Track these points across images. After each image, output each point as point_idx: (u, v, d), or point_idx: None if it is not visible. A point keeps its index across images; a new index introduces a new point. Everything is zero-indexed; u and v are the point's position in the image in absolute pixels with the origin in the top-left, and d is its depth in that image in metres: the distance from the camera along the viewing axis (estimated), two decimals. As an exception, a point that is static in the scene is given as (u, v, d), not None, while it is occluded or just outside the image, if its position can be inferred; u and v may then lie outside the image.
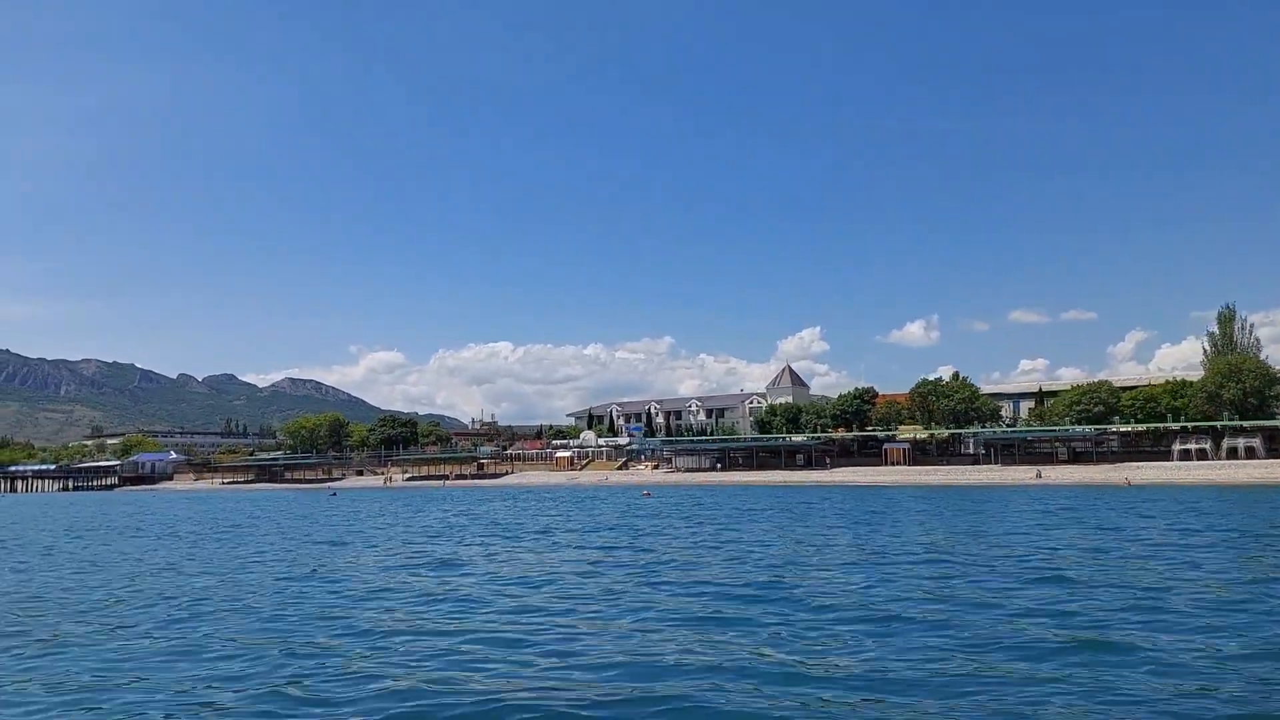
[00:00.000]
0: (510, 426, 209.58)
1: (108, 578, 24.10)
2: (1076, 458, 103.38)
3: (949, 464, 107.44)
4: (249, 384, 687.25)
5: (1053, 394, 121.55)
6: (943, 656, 12.56)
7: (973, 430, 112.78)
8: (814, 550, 27.58)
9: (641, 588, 20.00)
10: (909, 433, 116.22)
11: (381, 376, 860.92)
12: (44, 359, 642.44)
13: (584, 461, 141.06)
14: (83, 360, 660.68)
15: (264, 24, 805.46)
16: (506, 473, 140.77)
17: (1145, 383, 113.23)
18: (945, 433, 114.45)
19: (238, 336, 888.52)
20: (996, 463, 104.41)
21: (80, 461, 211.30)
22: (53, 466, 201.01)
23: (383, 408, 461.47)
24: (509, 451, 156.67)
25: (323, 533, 40.17)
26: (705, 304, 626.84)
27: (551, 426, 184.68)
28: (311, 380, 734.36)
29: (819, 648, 13.43)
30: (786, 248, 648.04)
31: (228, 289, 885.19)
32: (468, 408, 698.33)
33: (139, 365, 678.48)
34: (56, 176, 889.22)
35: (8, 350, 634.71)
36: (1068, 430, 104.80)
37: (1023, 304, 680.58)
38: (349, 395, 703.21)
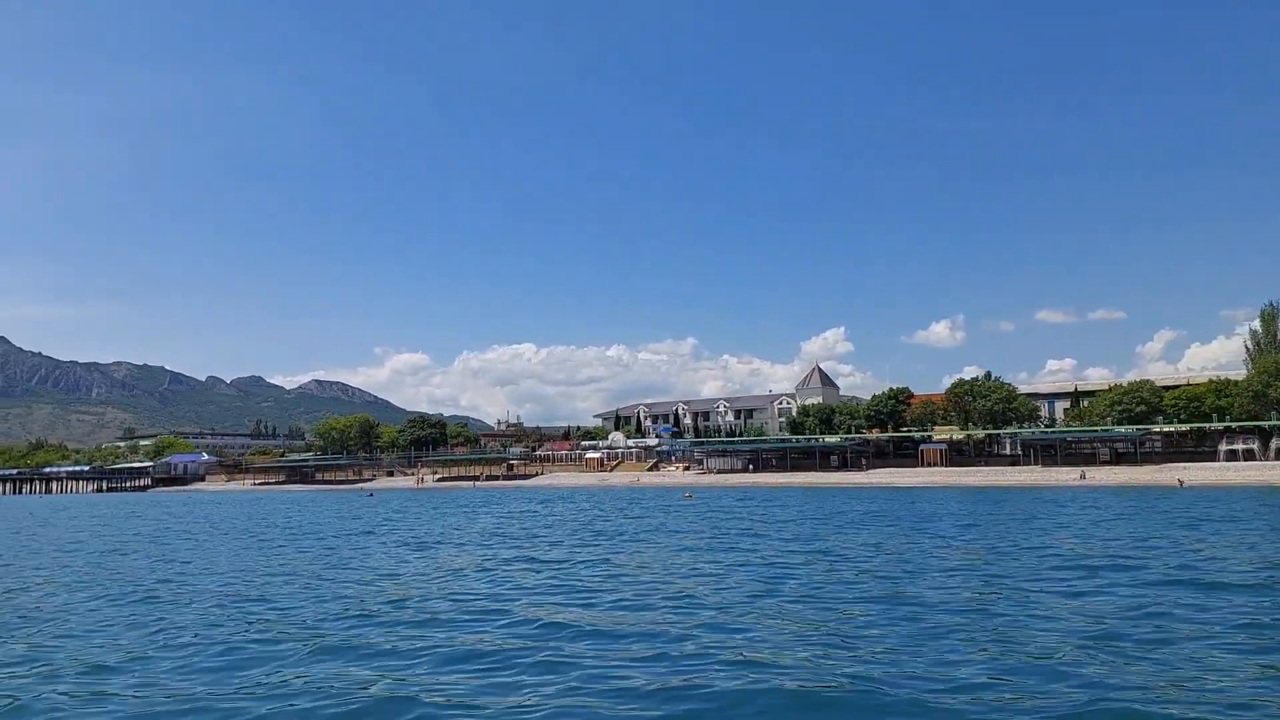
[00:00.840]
0: (537, 428, 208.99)
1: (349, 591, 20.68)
2: (1119, 458, 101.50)
3: (987, 465, 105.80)
4: (276, 386, 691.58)
5: (1086, 394, 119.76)
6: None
7: (1010, 430, 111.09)
8: (1000, 558, 24.71)
9: (862, 604, 17.17)
10: (945, 433, 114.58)
11: (406, 378, 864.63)
12: (75, 362, 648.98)
13: (613, 463, 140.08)
14: (114, 363, 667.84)
15: (283, 28, 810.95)
16: (536, 474, 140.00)
17: (1185, 382, 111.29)
18: (982, 433, 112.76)
19: (265, 339, 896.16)
20: (1036, 463, 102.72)
21: (113, 463, 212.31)
22: (86, 468, 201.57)
23: (408, 409, 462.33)
24: (538, 453, 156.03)
25: (432, 535, 38.45)
26: (728, 305, 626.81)
27: (579, 428, 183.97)
28: (338, 382, 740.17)
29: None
30: (809, 248, 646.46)
31: (254, 292, 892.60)
32: (491, 409, 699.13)
33: (168, 368, 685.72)
34: (85, 180, 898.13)
35: (40, 353, 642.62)
36: (1109, 430, 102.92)
37: (1049, 304, 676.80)
38: (375, 397, 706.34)
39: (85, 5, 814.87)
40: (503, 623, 15.84)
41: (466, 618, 16.48)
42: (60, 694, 11.54)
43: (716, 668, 12.00)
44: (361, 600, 18.75)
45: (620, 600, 18.25)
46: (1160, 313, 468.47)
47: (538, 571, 23.84)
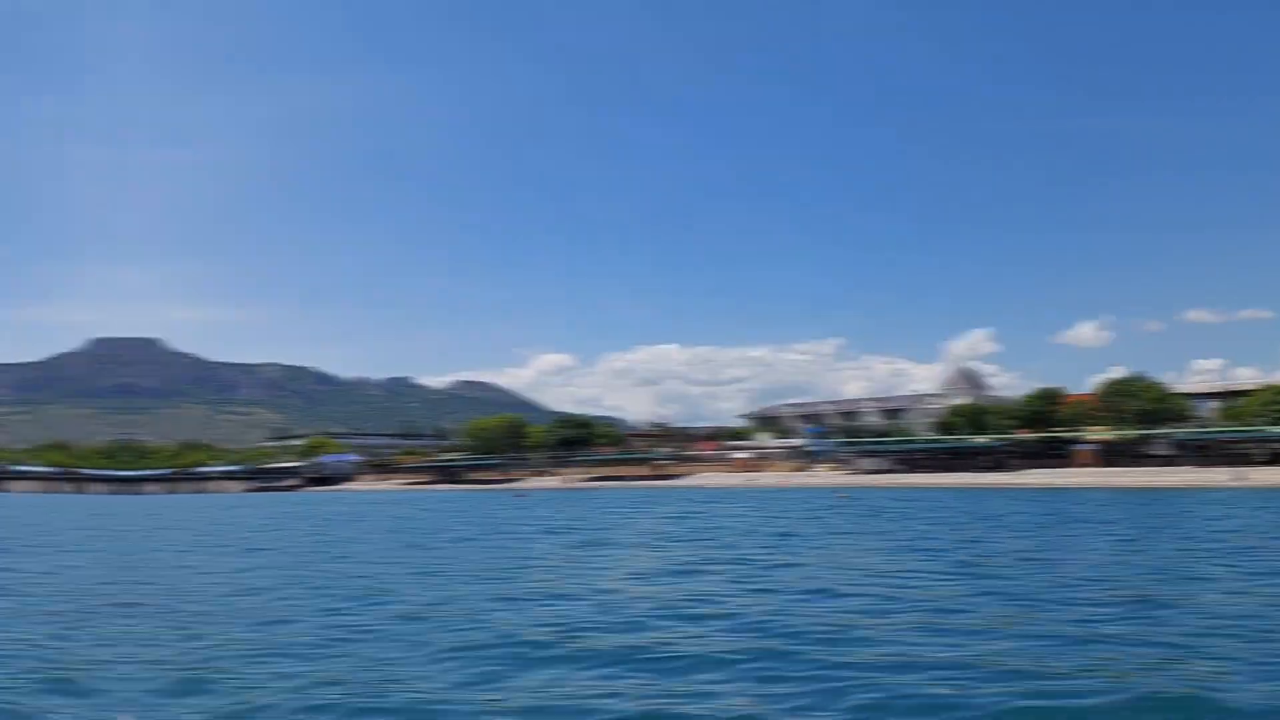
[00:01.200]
0: (682, 428, 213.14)
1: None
2: (1277, 459, 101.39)
3: (1139, 465, 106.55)
4: (422, 386, 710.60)
5: (1237, 394, 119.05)
6: None
7: (1163, 430, 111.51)
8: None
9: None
10: (1097, 434, 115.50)
11: (551, 379, 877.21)
12: (225, 362, 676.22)
13: (762, 463, 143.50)
14: (263, 364, 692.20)
15: (428, 29, 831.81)
16: (684, 474, 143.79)
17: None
18: (1135, 433, 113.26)
19: (410, 339, 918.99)
20: (1189, 464, 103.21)
21: (264, 463, 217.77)
22: (238, 467, 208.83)
23: (553, 409, 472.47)
24: (685, 453, 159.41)
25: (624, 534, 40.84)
26: (871, 306, 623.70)
27: (725, 428, 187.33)
28: (484, 382, 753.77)
29: None
30: (955, 248, 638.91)
31: (402, 292, 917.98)
32: (635, 409, 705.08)
33: (318, 368, 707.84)
34: (236, 184, 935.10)
35: (192, 354, 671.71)
36: (1264, 431, 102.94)
37: (1198, 303, 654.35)
38: (521, 397, 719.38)
39: (239, 13, 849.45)
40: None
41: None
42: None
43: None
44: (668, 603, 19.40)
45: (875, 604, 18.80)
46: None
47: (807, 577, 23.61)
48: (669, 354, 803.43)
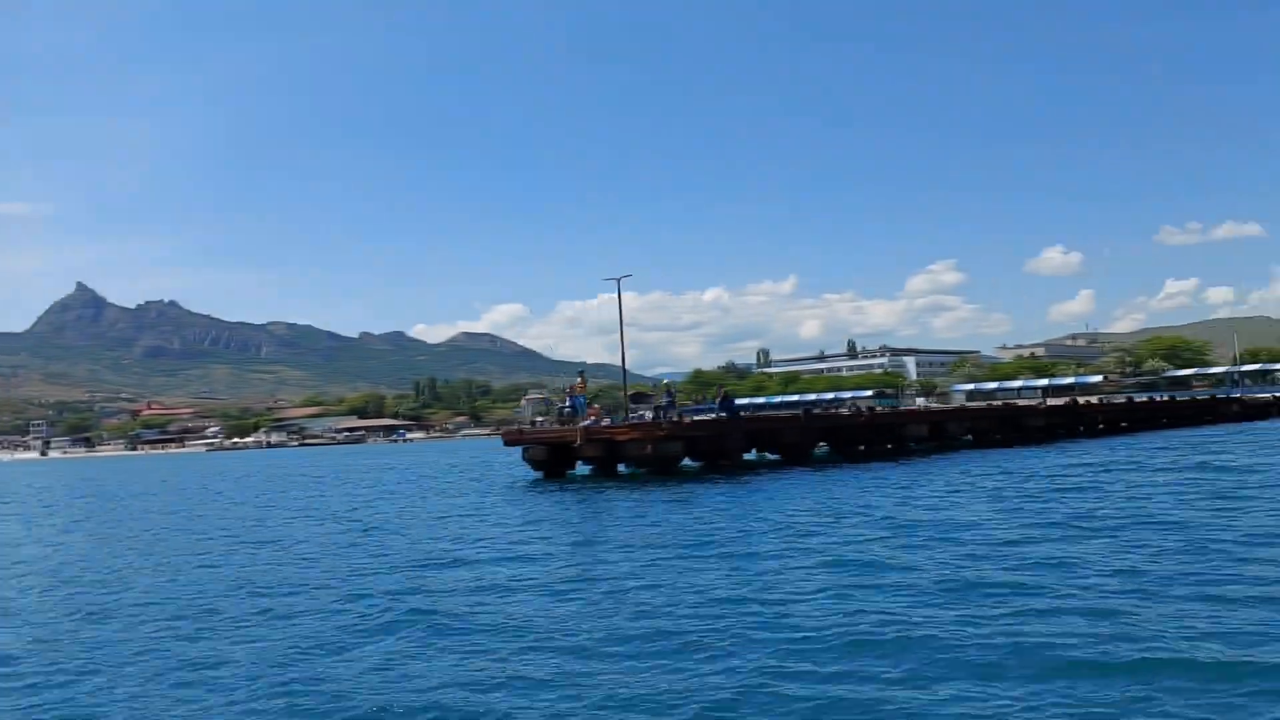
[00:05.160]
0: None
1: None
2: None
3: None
4: (419, 340, 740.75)
5: None
6: None
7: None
8: None
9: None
10: None
11: (505, 330, 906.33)
12: (246, 322, 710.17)
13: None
14: (270, 323, 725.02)
15: None
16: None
17: None
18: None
19: (409, 295, 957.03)
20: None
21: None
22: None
23: (567, 361, 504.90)
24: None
25: None
26: (829, 242, 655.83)
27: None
28: (487, 334, 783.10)
29: None
30: (914, 176, 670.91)
31: (366, 252, 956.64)
32: (590, 356, 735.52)
33: (318, 326, 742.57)
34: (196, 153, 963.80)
35: (210, 315, 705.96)
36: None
37: (1170, 220, 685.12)
38: (523, 347, 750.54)
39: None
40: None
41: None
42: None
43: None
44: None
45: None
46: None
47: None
48: (624, 301, 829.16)
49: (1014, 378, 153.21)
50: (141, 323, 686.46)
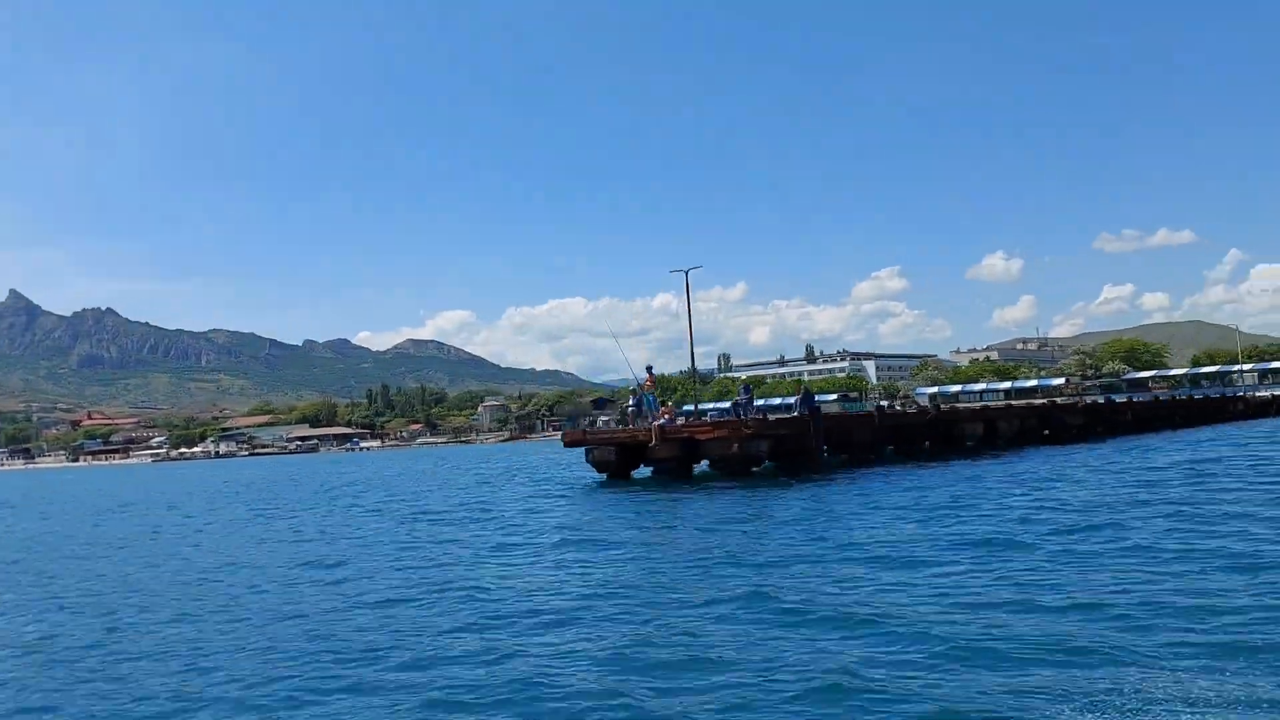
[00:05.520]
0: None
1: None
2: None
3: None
4: (363, 348, 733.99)
5: None
6: None
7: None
8: None
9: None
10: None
11: (453, 337, 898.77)
12: (184, 330, 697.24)
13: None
14: (211, 330, 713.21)
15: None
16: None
17: None
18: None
19: (352, 302, 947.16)
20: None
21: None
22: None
23: (517, 368, 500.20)
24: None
25: None
26: (777, 249, 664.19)
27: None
28: (434, 341, 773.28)
29: None
30: (862, 187, 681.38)
31: (301, 261, 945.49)
32: (537, 363, 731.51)
33: (260, 334, 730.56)
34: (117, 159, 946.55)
35: (147, 323, 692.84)
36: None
37: (1108, 227, 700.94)
38: (470, 354, 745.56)
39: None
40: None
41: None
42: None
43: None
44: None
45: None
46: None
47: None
48: (573, 307, 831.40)
49: (976, 380, 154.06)
50: (77, 331, 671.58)
